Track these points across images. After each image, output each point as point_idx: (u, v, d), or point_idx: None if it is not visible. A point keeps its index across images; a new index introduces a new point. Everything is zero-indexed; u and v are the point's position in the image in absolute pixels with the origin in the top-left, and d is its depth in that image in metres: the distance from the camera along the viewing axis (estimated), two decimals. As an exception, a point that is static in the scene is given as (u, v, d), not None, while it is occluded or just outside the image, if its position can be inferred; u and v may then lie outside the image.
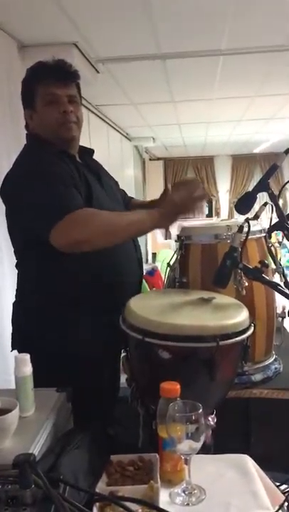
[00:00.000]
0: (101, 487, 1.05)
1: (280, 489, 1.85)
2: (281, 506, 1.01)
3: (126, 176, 7.11)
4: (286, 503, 1.08)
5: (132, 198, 2.06)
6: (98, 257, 1.51)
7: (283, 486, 1.94)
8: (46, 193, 1.44)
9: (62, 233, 1.39)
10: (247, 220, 1.43)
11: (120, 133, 6.73)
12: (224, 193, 10.71)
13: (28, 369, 1.18)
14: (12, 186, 1.56)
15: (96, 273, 1.56)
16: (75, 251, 1.43)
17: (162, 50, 3.32)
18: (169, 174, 10.64)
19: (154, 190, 9.81)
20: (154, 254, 8.23)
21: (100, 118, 5.34)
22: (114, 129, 6.28)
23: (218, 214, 10.49)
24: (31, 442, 1.04)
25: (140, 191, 8.68)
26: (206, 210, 10.82)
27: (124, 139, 7.08)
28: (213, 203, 10.69)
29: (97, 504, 0.99)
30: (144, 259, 1.91)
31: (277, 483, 1.94)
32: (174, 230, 1.75)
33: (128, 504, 0.96)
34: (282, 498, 1.22)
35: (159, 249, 7.79)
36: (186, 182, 1.62)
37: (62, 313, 1.55)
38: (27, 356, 1.18)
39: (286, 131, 7.14)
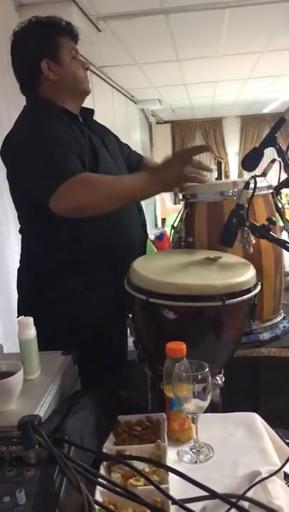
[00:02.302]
0: (108, 447, 1.06)
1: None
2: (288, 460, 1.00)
3: (132, 140, 6.98)
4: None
5: (143, 156, 2.00)
6: (101, 221, 1.47)
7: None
8: (47, 157, 1.41)
9: (62, 199, 1.35)
10: (253, 177, 1.38)
11: (125, 95, 6.58)
12: (233, 156, 10.53)
13: (31, 332, 1.16)
14: (13, 148, 1.52)
15: (99, 237, 1.53)
16: (74, 216, 1.41)
17: (165, 5, 3.19)
18: (177, 138, 10.46)
19: (162, 155, 9.56)
20: (163, 220, 8.17)
21: (104, 80, 5.20)
22: (119, 91, 6.14)
23: (227, 177, 10.34)
24: (37, 404, 1.03)
25: (147, 156, 8.54)
26: (216, 173, 10.68)
27: (129, 101, 6.92)
28: (222, 165, 10.52)
29: (104, 463, 0.99)
30: (153, 224, 1.88)
31: (287, 440, 1.96)
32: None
33: (135, 463, 0.96)
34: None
35: (168, 213, 7.72)
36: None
37: (64, 279, 1.54)
38: (30, 319, 1.17)
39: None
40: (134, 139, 7.25)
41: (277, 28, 3.84)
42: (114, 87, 5.77)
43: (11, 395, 1.03)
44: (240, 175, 10.28)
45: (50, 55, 1.54)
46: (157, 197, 7.93)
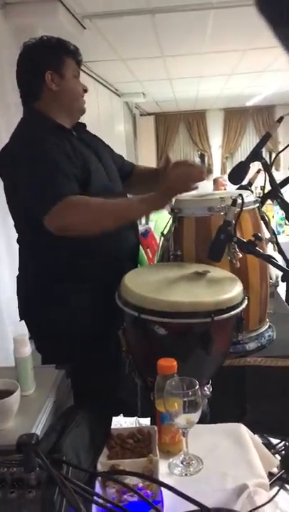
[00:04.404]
0: (102, 461, 1.10)
1: (276, 448, 1.94)
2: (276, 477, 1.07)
3: (117, 132, 6.98)
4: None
5: (135, 165, 2.04)
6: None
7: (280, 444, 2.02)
8: (44, 177, 1.48)
9: (55, 218, 1.44)
10: (241, 194, 1.42)
11: (109, 89, 6.55)
12: (216, 149, 10.54)
13: (27, 349, 1.20)
14: (11, 163, 1.57)
15: (91, 242, 1.57)
16: (66, 235, 1.47)
17: (151, 5, 3.19)
18: (161, 129, 10.44)
19: (146, 146, 9.67)
20: (146, 213, 8.16)
21: (88, 74, 5.17)
22: (103, 85, 6.11)
23: (210, 170, 10.35)
24: (33, 421, 1.07)
25: (131, 147, 8.54)
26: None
27: (113, 95, 6.90)
28: (206, 159, 10.54)
29: (99, 478, 1.03)
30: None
31: (275, 442, 2.02)
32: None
33: (129, 477, 1.01)
34: (276, 463, 1.29)
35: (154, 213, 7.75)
36: (188, 163, 1.68)
37: (61, 287, 1.59)
38: (26, 337, 1.20)
39: (279, 84, 6.98)
40: (118, 131, 7.24)
41: (260, 28, 3.82)
42: (98, 80, 5.74)
43: (9, 413, 1.06)
44: (223, 168, 10.33)
45: (55, 68, 1.62)
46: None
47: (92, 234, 1.49)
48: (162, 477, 1.05)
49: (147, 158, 9.29)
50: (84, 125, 1.79)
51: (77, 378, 1.41)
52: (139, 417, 1.48)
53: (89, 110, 1.82)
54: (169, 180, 1.53)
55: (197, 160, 10.46)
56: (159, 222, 5.52)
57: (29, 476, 0.87)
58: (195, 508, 0.93)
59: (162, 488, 1.00)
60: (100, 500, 0.90)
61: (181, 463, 1.12)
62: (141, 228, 5.24)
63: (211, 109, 10.30)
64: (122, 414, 1.55)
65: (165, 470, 1.11)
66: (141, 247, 4.32)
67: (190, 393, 1.06)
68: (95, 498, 0.89)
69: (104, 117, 5.86)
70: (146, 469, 1.07)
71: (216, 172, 10.22)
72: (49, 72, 1.62)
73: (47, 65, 1.62)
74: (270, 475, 1.97)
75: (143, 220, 6.86)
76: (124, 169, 1.92)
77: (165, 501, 0.98)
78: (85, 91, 1.71)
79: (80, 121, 1.78)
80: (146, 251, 4.48)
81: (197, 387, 1.07)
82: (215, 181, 7.50)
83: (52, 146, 1.53)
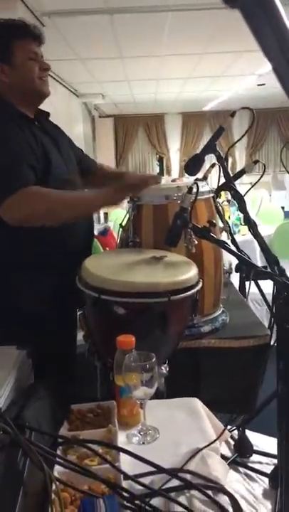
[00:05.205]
0: (63, 433, 1.14)
1: (226, 428, 2.02)
2: (221, 434, 1.15)
3: (75, 133, 7.00)
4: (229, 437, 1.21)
5: (99, 164, 2.09)
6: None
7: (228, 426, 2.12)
8: (1, 168, 1.49)
9: (11, 208, 1.47)
10: (196, 182, 1.49)
11: (68, 89, 6.58)
12: (175, 152, 10.72)
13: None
14: None
15: (48, 230, 1.61)
16: (22, 225, 1.50)
17: (110, 5, 3.26)
18: (120, 131, 10.51)
19: (105, 148, 9.72)
20: (105, 214, 8.21)
21: (47, 74, 5.18)
22: (62, 84, 6.13)
23: (168, 173, 10.52)
24: (-5, 396, 1.10)
25: (90, 149, 8.56)
26: (158, 169, 10.85)
27: (72, 95, 6.92)
28: (164, 161, 10.69)
29: (61, 448, 1.07)
30: (95, 219, 1.97)
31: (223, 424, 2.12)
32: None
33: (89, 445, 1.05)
34: (226, 431, 1.36)
35: (111, 208, 7.79)
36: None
37: (16, 272, 1.62)
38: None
39: (235, 89, 7.19)
40: (77, 132, 7.26)
41: (216, 31, 4.01)
42: (57, 80, 5.76)
43: (-29, 388, 1.09)
44: (181, 171, 10.50)
45: (3, 58, 1.62)
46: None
47: (49, 225, 1.52)
48: (121, 445, 1.10)
49: (106, 160, 9.33)
50: (47, 114, 1.82)
51: (37, 362, 1.44)
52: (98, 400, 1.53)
53: (46, 109, 1.83)
54: (127, 178, 1.60)
55: (155, 163, 10.62)
56: (119, 221, 5.57)
57: (-7, 440, 0.90)
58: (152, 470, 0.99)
59: (121, 455, 1.05)
60: (63, 462, 0.94)
61: (139, 433, 1.18)
62: (99, 227, 5.28)
63: (169, 113, 10.47)
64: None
65: (124, 440, 1.17)
66: (100, 245, 4.35)
67: (148, 366, 1.12)
68: (58, 459, 0.94)
69: (62, 117, 5.87)
70: (106, 439, 1.12)
71: (175, 174, 10.38)
72: None
73: None
74: (224, 458, 2.07)
75: (102, 219, 6.91)
76: (84, 163, 1.96)
77: (123, 466, 1.03)
78: (46, 69, 1.68)
79: (45, 110, 1.80)
80: (104, 250, 4.53)
81: (154, 359, 1.13)
82: (173, 182, 7.64)
83: (12, 135, 1.55)
